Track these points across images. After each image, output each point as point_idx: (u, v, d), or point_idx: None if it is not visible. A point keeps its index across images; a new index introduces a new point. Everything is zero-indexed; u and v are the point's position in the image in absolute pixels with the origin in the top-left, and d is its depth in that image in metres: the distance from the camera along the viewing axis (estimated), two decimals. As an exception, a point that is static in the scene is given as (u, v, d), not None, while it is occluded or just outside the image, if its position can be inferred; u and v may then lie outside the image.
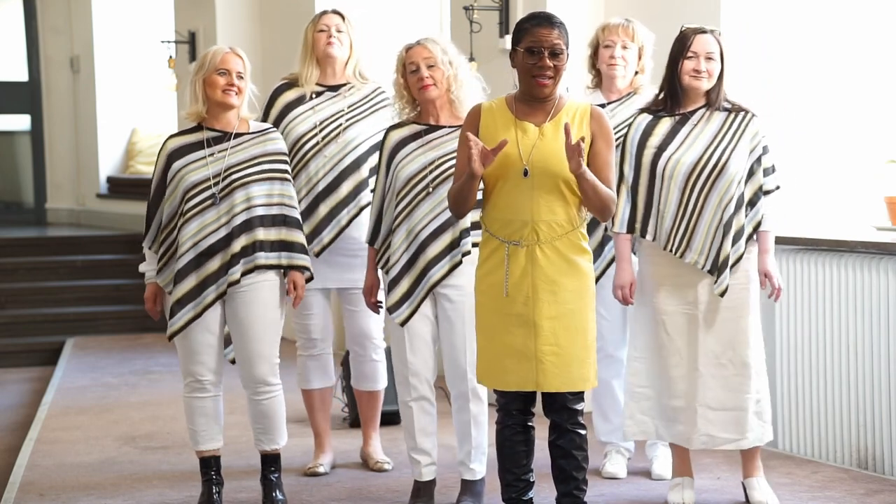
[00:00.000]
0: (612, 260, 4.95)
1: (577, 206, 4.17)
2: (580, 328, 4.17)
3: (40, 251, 10.71)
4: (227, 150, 4.73)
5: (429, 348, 4.75)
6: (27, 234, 11.41)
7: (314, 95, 5.25)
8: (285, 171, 4.79)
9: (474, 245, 4.57)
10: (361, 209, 5.18)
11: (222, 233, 4.69)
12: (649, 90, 5.03)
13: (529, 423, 4.31)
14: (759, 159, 4.68)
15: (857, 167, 5.85)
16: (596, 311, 5.10)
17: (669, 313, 4.70)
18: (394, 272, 4.68)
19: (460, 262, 4.62)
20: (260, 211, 4.71)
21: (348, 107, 5.24)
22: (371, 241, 4.81)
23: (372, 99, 5.23)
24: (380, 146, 4.81)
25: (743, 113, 4.66)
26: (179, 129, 4.89)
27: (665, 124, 4.66)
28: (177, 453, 5.83)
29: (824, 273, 5.35)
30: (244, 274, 4.69)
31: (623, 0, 6.15)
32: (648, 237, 4.67)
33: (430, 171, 4.66)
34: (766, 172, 4.70)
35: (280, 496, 4.87)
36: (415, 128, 4.74)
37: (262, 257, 4.71)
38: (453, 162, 4.44)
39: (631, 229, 4.69)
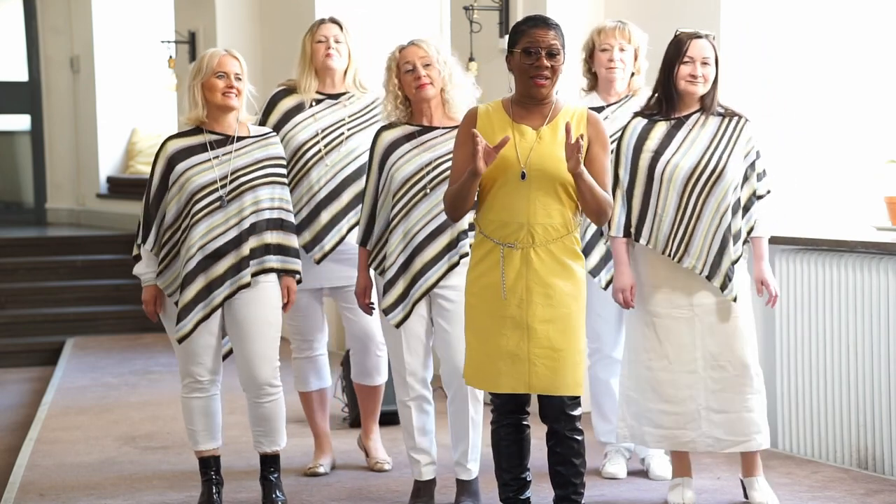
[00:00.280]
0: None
1: (572, 210, 4.17)
2: (574, 332, 4.18)
3: (40, 251, 10.71)
4: (231, 152, 4.73)
5: (424, 348, 4.75)
6: (27, 234, 11.41)
7: (314, 103, 5.24)
8: (284, 176, 4.82)
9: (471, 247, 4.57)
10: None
11: (231, 235, 4.69)
12: (646, 92, 5.03)
13: (524, 423, 4.31)
14: (752, 164, 4.70)
15: (857, 167, 5.85)
16: (594, 312, 5.14)
17: (661, 316, 4.70)
18: (390, 274, 4.67)
19: (457, 264, 4.61)
20: (267, 214, 4.74)
21: (349, 116, 5.23)
22: (363, 242, 4.79)
23: (372, 109, 5.22)
24: (371, 146, 4.79)
25: (737, 118, 4.67)
26: (179, 129, 4.87)
27: (660, 128, 4.66)
28: (177, 453, 5.83)
29: (824, 273, 5.35)
30: (252, 276, 4.70)
31: (622, 1, 6.15)
32: (643, 241, 4.67)
33: (427, 173, 4.65)
34: (759, 177, 4.71)
35: (280, 496, 4.87)
36: (408, 129, 4.73)
37: (271, 260, 4.74)
38: (450, 164, 4.42)
39: (627, 233, 4.69)
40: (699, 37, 4.62)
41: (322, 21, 5.28)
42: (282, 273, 4.78)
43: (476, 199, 4.24)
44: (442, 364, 4.73)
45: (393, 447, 5.64)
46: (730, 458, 5.30)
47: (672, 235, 4.63)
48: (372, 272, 4.83)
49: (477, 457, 4.78)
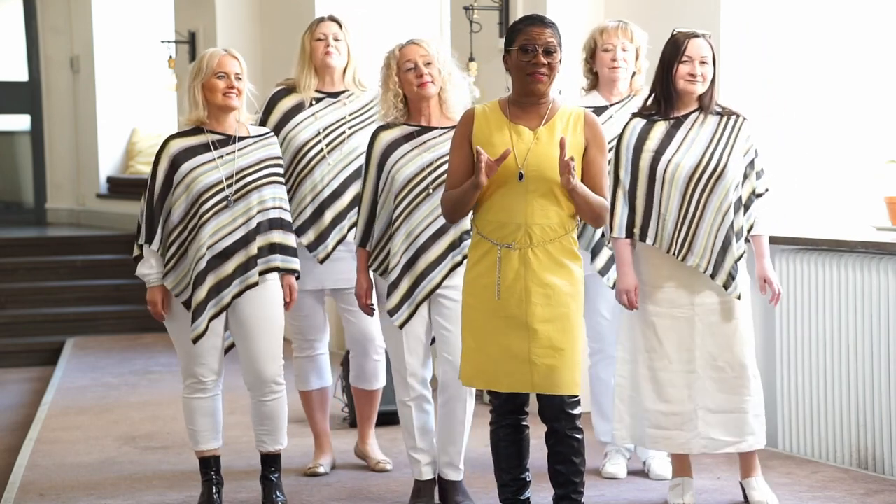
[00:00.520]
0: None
1: (569, 211, 4.18)
2: (572, 331, 4.19)
3: (40, 251, 10.71)
4: (234, 152, 4.73)
5: (424, 348, 4.75)
6: (27, 234, 11.41)
7: (314, 102, 5.24)
8: (282, 175, 4.85)
9: None
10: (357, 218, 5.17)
11: (239, 234, 4.70)
12: (647, 91, 5.04)
13: (523, 423, 4.31)
14: (751, 162, 4.71)
15: (857, 167, 5.85)
16: (598, 313, 5.14)
17: (662, 316, 4.70)
18: (393, 275, 4.67)
19: (460, 264, 4.61)
20: (271, 213, 4.76)
21: (350, 114, 5.23)
22: (362, 244, 4.79)
23: (373, 107, 5.21)
24: (368, 146, 4.78)
25: (735, 117, 4.68)
26: (180, 125, 4.87)
27: (660, 128, 4.66)
28: (177, 453, 5.83)
29: (824, 273, 5.35)
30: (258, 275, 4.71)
31: (623, 1, 6.15)
32: (649, 241, 4.67)
33: (429, 173, 4.65)
34: (758, 175, 4.72)
35: (280, 496, 4.88)
36: (406, 129, 4.73)
37: (277, 259, 4.75)
38: None
39: (630, 233, 4.68)
40: (697, 36, 4.62)
41: (321, 19, 5.28)
42: (283, 272, 4.78)
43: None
44: (440, 363, 4.73)
45: (393, 447, 5.64)
46: (730, 458, 5.30)
47: (675, 234, 4.63)
48: (371, 273, 4.83)
49: (463, 456, 4.79)
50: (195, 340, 4.70)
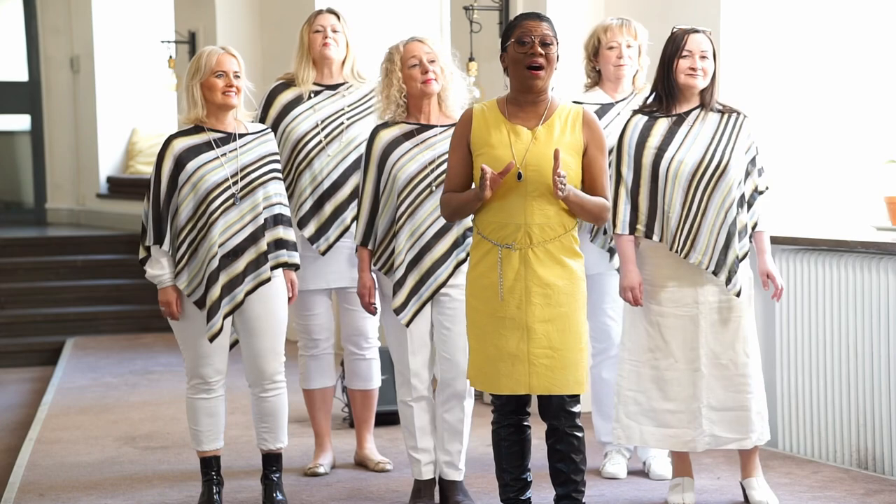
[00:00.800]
0: None
1: (568, 210, 4.17)
2: (573, 331, 4.18)
3: (40, 251, 10.71)
4: (236, 150, 4.74)
5: (427, 348, 4.75)
6: (27, 234, 11.41)
7: (312, 94, 5.25)
8: (280, 171, 4.86)
9: None
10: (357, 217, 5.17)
11: (248, 232, 4.71)
12: (649, 88, 5.05)
13: (525, 423, 4.31)
14: (753, 160, 4.71)
15: (857, 167, 5.85)
16: (605, 313, 5.14)
17: (666, 315, 4.70)
18: (399, 273, 4.66)
19: (464, 261, 4.61)
20: (275, 210, 4.77)
21: (348, 105, 5.24)
22: (364, 243, 4.79)
23: (371, 98, 5.21)
24: (367, 145, 4.78)
25: (736, 114, 4.68)
26: (179, 123, 4.87)
27: (662, 125, 4.66)
28: (177, 453, 5.83)
29: (824, 273, 5.35)
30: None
31: (622, 1, 6.15)
32: (655, 238, 4.67)
33: (431, 171, 4.65)
34: (759, 173, 4.72)
35: (280, 496, 4.88)
36: (405, 127, 4.73)
37: (283, 255, 4.77)
38: None
39: (633, 230, 4.68)
40: (696, 31, 4.62)
41: (320, 11, 5.29)
42: (286, 267, 4.79)
43: None
44: (442, 363, 4.73)
45: (393, 447, 5.64)
46: (730, 458, 5.30)
47: (678, 231, 4.63)
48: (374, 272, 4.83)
49: (464, 456, 4.79)
50: (212, 339, 4.70)
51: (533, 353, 4.14)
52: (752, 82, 5.68)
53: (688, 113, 4.67)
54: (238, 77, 4.71)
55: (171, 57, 9.40)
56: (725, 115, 4.68)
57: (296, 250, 4.84)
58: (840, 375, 5.33)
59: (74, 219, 12.67)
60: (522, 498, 4.32)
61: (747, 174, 4.69)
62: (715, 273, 4.62)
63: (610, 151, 4.70)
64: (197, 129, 4.75)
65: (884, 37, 5.81)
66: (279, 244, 4.78)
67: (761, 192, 4.73)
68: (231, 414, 6.03)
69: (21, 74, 12.89)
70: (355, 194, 5.16)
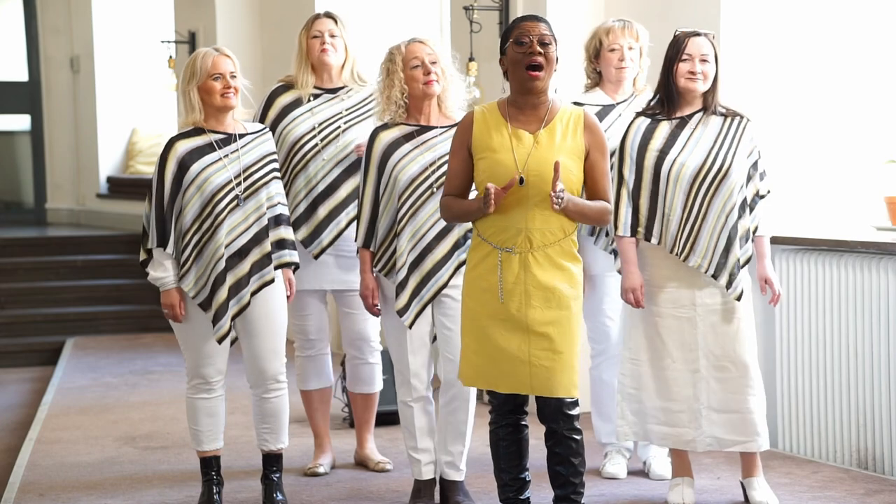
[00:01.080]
0: None
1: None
2: (572, 334, 4.18)
3: (40, 251, 10.71)
4: (237, 150, 4.74)
5: (427, 348, 4.75)
6: (27, 234, 11.41)
7: (312, 98, 5.24)
8: (279, 170, 4.86)
9: None
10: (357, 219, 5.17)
11: (252, 232, 4.71)
12: (650, 90, 5.06)
13: (523, 423, 4.31)
14: (755, 164, 4.71)
15: (857, 167, 5.85)
16: (604, 314, 5.14)
17: (664, 315, 4.70)
18: (401, 275, 4.66)
19: (465, 262, 4.61)
20: (277, 209, 4.77)
21: (346, 109, 5.24)
22: (366, 244, 4.78)
23: (370, 101, 5.20)
24: (367, 147, 4.78)
25: (738, 118, 4.68)
26: (178, 127, 4.86)
27: (664, 128, 4.67)
28: (177, 453, 5.83)
29: (824, 273, 5.35)
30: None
31: (623, 0, 6.15)
32: (654, 240, 4.67)
33: (432, 172, 4.65)
34: (761, 177, 4.72)
35: (280, 496, 4.88)
36: (405, 129, 4.72)
37: (286, 255, 4.78)
38: None
39: (634, 232, 4.69)
40: (697, 35, 4.62)
41: (317, 16, 5.28)
42: (285, 266, 4.80)
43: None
44: (443, 363, 4.73)
45: (393, 447, 5.64)
46: (730, 458, 5.31)
47: (679, 234, 4.63)
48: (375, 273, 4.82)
49: (466, 457, 4.79)
50: (220, 341, 4.70)
51: (534, 355, 4.14)
52: (752, 83, 5.68)
53: (690, 116, 4.68)
54: (234, 77, 4.69)
55: (171, 57, 9.40)
56: (728, 119, 4.68)
57: (295, 249, 4.85)
58: (840, 375, 5.33)
59: (74, 219, 12.67)
60: (521, 497, 4.32)
61: (749, 178, 4.69)
62: (715, 276, 4.62)
63: (612, 153, 4.71)
64: (197, 130, 4.75)
65: (883, 37, 5.81)
66: (281, 244, 4.78)
67: (762, 196, 4.73)
68: (231, 414, 6.03)
69: (21, 74, 12.89)
70: (350, 198, 5.16)
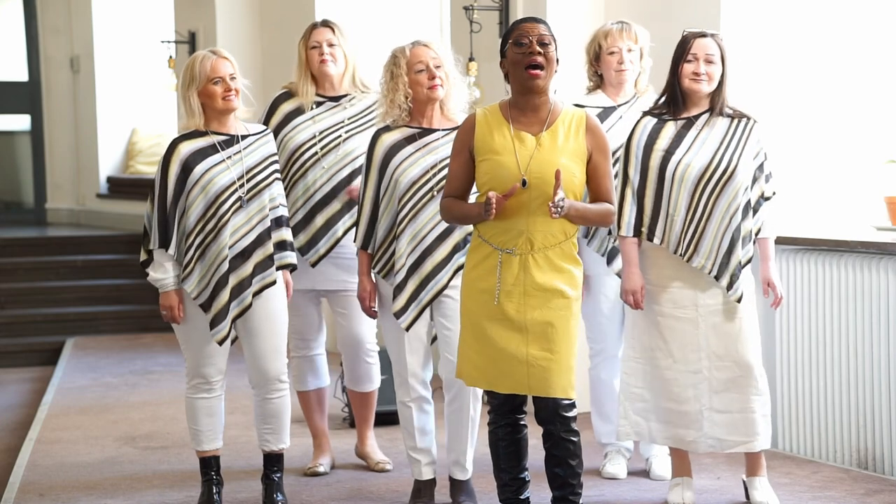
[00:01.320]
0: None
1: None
2: (571, 335, 4.19)
3: (40, 251, 10.70)
4: (240, 152, 4.73)
5: (425, 348, 4.75)
6: (27, 234, 11.40)
7: (314, 106, 5.24)
8: (280, 171, 4.87)
9: None
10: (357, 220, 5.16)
11: (256, 233, 4.71)
12: (653, 90, 5.06)
13: (521, 423, 4.31)
14: (761, 165, 4.71)
15: (857, 167, 5.85)
16: (601, 314, 5.14)
17: (666, 315, 4.70)
18: (399, 277, 4.66)
19: (465, 264, 4.61)
20: (279, 211, 4.78)
21: (349, 118, 5.23)
22: (364, 246, 4.78)
23: (374, 110, 5.19)
24: (368, 149, 4.77)
25: (745, 119, 4.68)
26: (179, 130, 4.85)
27: (670, 128, 4.66)
28: (177, 453, 5.83)
29: (824, 273, 5.35)
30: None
31: (623, 1, 6.15)
32: (656, 241, 4.67)
33: (433, 175, 4.65)
34: (767, 179, 4.72)
35: (280, 496, 4.88)
36: (406, 131, 4.72)
37: (287, 256, 4.77)
38: None
39: (637, 233, 4.68)
40: (704, 35, 4.62)
41: (315, 25, 5.26)
42: (283, 268, 4.80)
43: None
44: (442, 363, 4.73)
45: (393, 447, 5.64)
46: (730, 458, 5.31)
47: (682, 235, 4.63)
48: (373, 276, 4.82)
49: (471, 456, 4.78)
50: (221, 343, 4.70)
51: (532, 355, 4.14)
52: (752, 83, 5.68)
53: (697, 117, 4.67)
54: (234, 78, 4.69)
55: (171, 57, 9.39)
56: (735, 120, 4.67)
57: (294, 251, 4.85)
58: (840, 375, 5.33)
59: (74, 219, 12.67)
60: (521, 497, 4.33)
61: (755, 180, 4.69)
62: (717, 277, 4.62)
63: (614, 155, 4.71)
64: (200, 131, 4.74)
65: (883, 37, 5.81)
66: (282, 245, 4.78)
67: (767, 199, 4.73)
68: (231, 414, 6.03)
69: (21, 74, 12.88)
70: (347, 207, 5.16)
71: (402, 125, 4.72)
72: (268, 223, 4.73)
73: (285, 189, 5.15)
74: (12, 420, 7.04)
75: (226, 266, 4.66)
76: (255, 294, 4.72)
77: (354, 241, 4.82)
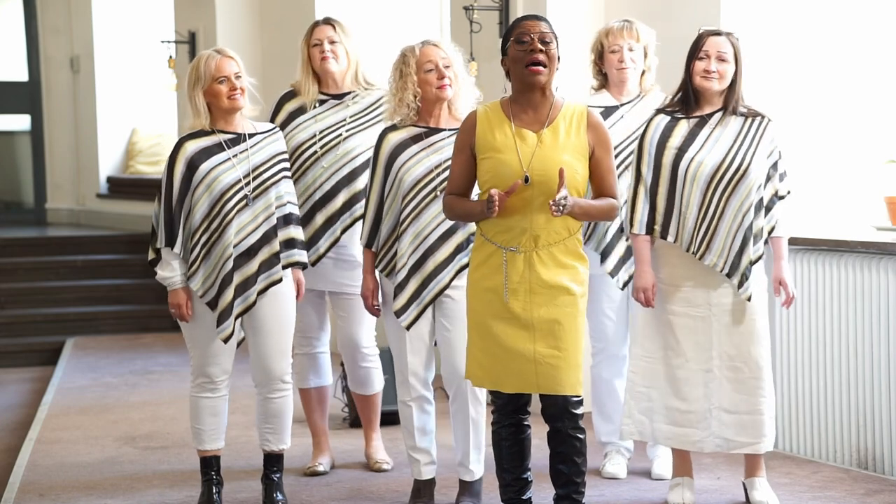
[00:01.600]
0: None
1: None
2: (577, 332, 4.18)
3: (40, 251, 10.70)
4: (247, 150, 4.73)
5: (427, 348, 4.75)
6: (27, 234, 11.40)
7: (318, 104, 5.24)
8: (289, 169, 4.86)
9: None
10: (356, 220, 5.17)
11: (261, 232, 4.72)
12: (658, 89, 5.06)
13: (525, 423, 4.31)
14: (775, 164, 4.71)
15: (857, 167, 5.85)
16: (602, 313, 5.14)
17: (678, 314, 4.69)
18: (401, 276, 4.66)
19: (467, 265, 4.60)
20: (286, 209, 4.78)
21: (350, 116, 5.23)
22: (368, 244, 4.79)
23: (376, 108, 5.20)
24: (375, 147, 4.78)
25: (759, 118, 4.67)
26: (179, 130, 4.85)
27: (683, 126, 4.66)
28: (177, 453, 5.83)
29: (824, 273, 5.35)
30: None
31: (623, 1, 6.15)
32: (670, 238, 4.66)
33: (437, 175, 4.65)
34: (781, 177, 4.72)
35: (280, 496, 4.88)
36: (413, 130, 4.72)
37: (296, 254, 4.78)
38: None
39: (650, 230, 4.68)
40: (718, 34, 4.62)
41: (316, 24, 5.26)
42: (293, 266, 4.80)
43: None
44: (443, 364, 4.73)
45: (393, 447, 5.64)
46: (731, 458, 5.31)
47: (695, 233, 4.62)
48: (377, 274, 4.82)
49: (480, 457, 4.77)
50: (226, 341, 4.70)
51: (539, 353, 4.14)
52: (752, 83, 5.67)
53: (710, 115, 4.67)
54: (239, 77, 4.69)
55: (171, 57, 9.39)
56: (749, 119, 4.66)
57: (305, 249, 4.85)
58: (840, 375, 5.33)
59: (74, 219, 12.67)
60: (523, 497, 4.33)
61: (768, 178, 4.68)
62: (729, 275, 4.61)
63: (618, 155, 4.71)
64: (206, 130, 4.74)
65: (883, 37, 5.81)
66: (290, 244, 4.78)
67: (781, 197, 4.72)
68: (231, 414, 6.02)
69: (21, 74, 12.88)
70: (347, 206, 5.16)
71: (410, 124, 4.72)
72: (274, 221, 4.73)
73: None
74: (12, 420, 7.04)
75: (230, 264, 4.66)
76: (261, 292, 4.72)
77: (360, 240, 4.83)
